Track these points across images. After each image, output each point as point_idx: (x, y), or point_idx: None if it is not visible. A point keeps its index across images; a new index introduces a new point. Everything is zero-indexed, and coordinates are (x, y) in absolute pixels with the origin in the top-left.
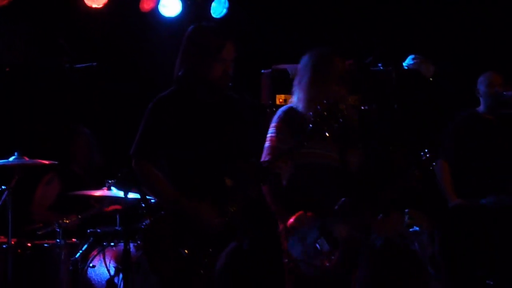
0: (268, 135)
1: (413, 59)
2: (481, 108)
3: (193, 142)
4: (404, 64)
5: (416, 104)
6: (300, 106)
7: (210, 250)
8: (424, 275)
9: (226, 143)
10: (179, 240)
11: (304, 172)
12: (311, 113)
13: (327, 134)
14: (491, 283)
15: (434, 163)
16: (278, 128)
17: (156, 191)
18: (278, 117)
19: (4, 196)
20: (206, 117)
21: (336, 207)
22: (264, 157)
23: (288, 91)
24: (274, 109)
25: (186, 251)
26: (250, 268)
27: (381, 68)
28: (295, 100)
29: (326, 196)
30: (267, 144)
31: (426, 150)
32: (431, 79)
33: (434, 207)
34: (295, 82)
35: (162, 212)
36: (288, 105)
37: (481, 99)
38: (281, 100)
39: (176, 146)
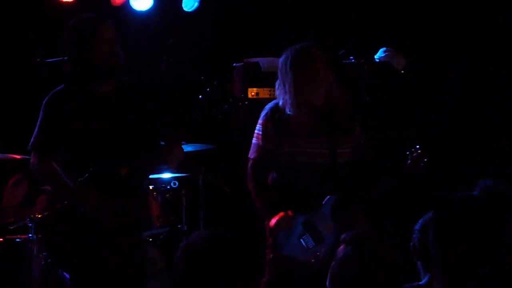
0: (255, 131)
1: (384, 51)
2: None
3: (89, 135)
4: (375, 57)
5: (387, 97)
6: (287, 109)
7: (110, 241)
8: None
9: (124, 134)
10: (80, 232)
11: (289, 171)
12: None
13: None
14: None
15: (425, 159)
16: (264, 127)
17: (53, 184)
18: (265, 114)
19: None
20: (101, 108)
21: (323, 203)
22: (251, 154)
23: (260, 84)
24: (246, 102)
25: (87, 242)
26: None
27: (353, 60)
28: (281, 102)
29: (312, 194)
30: (254, 141)
31: (417, 147)
32: (402, 71)
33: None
34: (277, 85)
35: (60, 205)
36: (275, 101)
37: None
38: (253, 94)
39: (73, 140)
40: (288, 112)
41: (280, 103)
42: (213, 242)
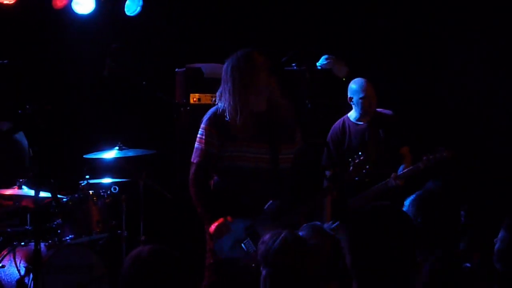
0: (198, 135)
1: (326, 59)
2: (354, 114)
3: None
4: (317, 64)
5: (329, 103)
6: (226, 114)
7: None
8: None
9: None
10: None
11: (231, 175)
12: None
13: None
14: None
15: (367, 166)
16: (206, 131)
17: None
18: (208, 119)
19: None
20: None
21: (264, 208)
22: (193, 158)
23: (202, 90)
24: (188, 108)
25: None
26: None
27: (295, 68)
28: (222, 107)
29: (254, 198)
30: (196, 145)
31: (360, 153)
32: (344, 79)
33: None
34: (219, 91)
35: None
36: (217, 106)
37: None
38: (195, 99)
39: None
40: (228, 119)
41: (222, 108)
42: (159, 254)
